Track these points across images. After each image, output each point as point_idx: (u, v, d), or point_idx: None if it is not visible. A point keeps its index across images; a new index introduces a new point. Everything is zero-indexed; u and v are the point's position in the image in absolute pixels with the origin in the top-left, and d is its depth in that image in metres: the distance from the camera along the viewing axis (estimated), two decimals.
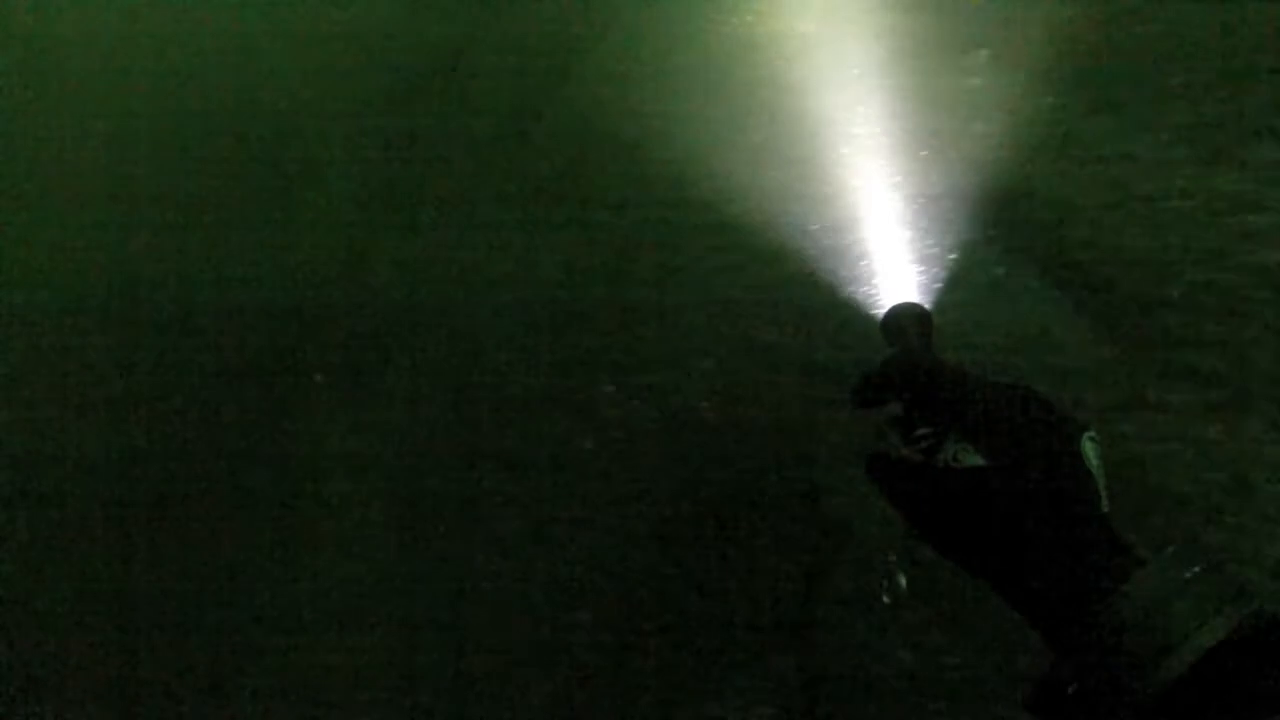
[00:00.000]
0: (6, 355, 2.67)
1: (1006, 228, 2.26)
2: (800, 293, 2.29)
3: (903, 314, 0.97)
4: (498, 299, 2.58)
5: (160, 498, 2.57)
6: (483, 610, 2.37)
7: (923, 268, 2.21)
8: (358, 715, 2.31)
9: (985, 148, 2.34)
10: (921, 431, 0.83)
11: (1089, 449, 0.81)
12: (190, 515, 2.55)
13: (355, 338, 2.62)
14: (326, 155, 2.74)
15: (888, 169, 2.34)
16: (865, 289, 1.86)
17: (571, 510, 2.41)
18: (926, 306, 0.98)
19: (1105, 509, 0.79)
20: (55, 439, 2.61)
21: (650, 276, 2.48)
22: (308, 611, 2.44)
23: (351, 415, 2.57)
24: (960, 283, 2.23)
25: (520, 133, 2.62)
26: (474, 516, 2.46)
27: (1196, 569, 0.69)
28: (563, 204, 2.57)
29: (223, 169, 2.74)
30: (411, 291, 2.65)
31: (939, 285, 2.18)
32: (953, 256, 2.24)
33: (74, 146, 2.77)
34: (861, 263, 2.13)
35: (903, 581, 0.85)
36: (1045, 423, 0.82)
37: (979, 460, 0.77)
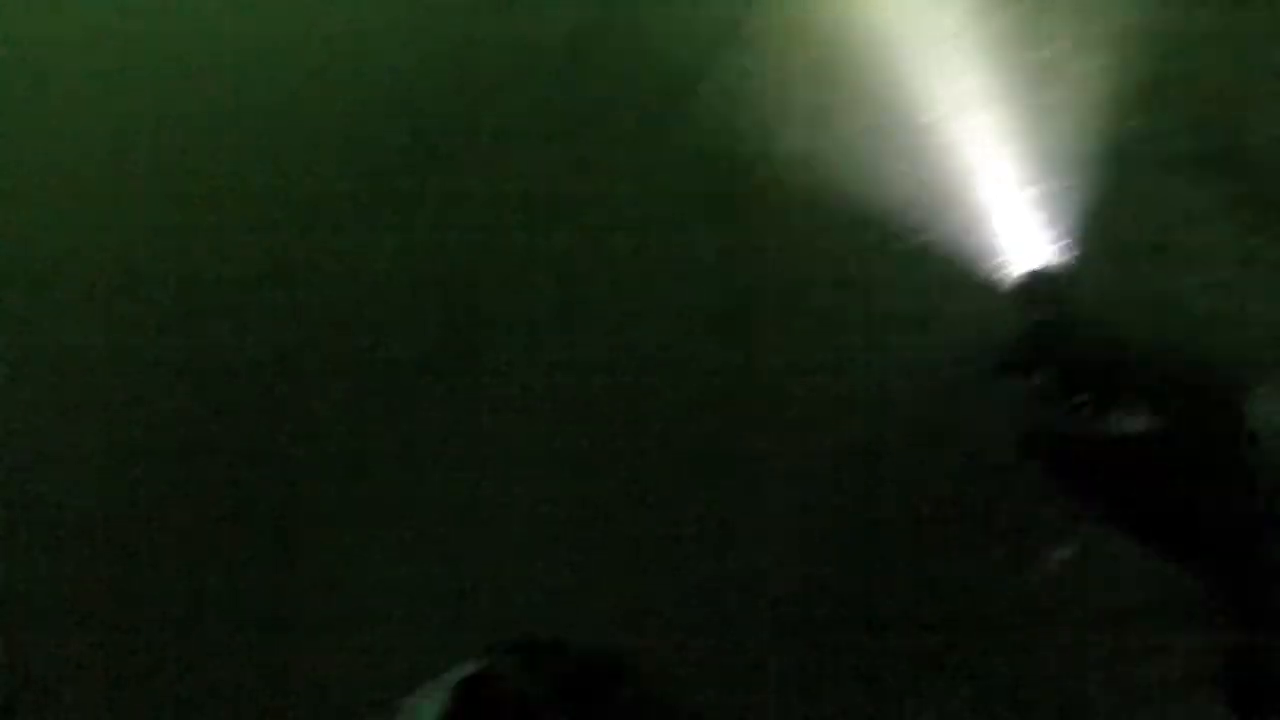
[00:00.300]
0: (6, 355, 2.67)
1: (1254, 193, 1.84)
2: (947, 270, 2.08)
3: (1043, 279, 0.92)
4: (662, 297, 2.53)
5: (160, 498, 2.56)
6: (484, 610, 2.37)
7: (1139, 240, 1.79)
8: (359, 715, 2.31)
9: (1221, 100, 1.93)
10: (1081, 399, 0.81)
11: (1259, 407, 0.78)
12: (190, 515, 2.55)
13: (357, 339, 2.62)
14: (327, 155, 2.74)
15: (1107, 126, 1.93)
16: (1056, 258, 1.58)
17: (573, 511, 2.41)
18: (1067, 271, 0.93)
19: None
20: (55, 439, 2.60)
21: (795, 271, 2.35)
22: (308, 612, 2.44)
23: (353, 416, 2.57)
24: (1196, 262, 1.81)
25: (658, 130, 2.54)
26: (475, 517, 2.45)
27: None
28: (696, 200, 2.48)
29: (225, 169, 2.74)
30: (413, 287, 2.64)
31: (1169, 263, 1.87)
32: (1187, 229, 1.82)
33: (74, 146, 2.77)
34: (1051, 231, 1.84)
35: (1055, 559, 0.82)
36: (1209, 382, 0.79)
37: (1143, 426, 0.74)
